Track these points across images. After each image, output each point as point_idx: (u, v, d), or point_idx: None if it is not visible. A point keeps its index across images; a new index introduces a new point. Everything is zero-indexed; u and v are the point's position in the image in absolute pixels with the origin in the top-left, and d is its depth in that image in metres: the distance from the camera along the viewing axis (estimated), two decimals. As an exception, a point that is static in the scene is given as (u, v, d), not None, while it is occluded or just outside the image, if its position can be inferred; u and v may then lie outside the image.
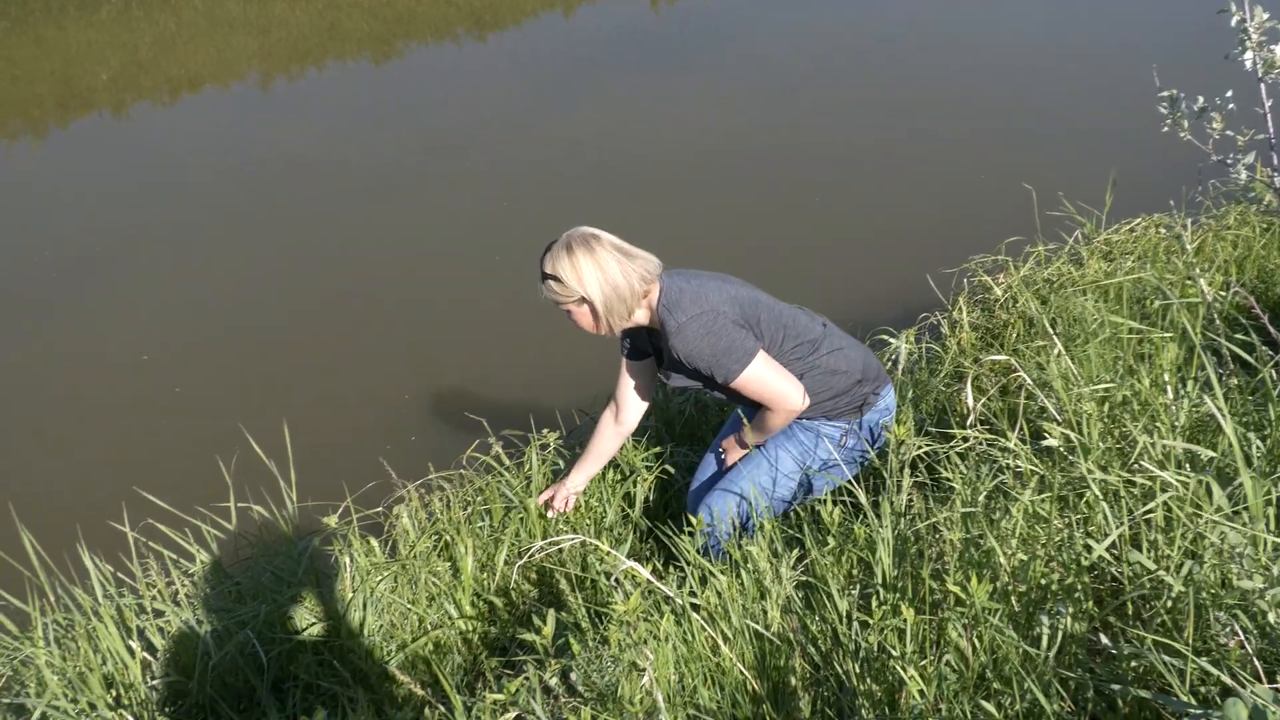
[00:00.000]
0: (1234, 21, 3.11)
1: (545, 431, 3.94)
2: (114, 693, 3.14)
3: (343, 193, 8.15)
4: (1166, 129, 3.42)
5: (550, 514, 3.55)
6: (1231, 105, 3.28)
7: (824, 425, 3.12)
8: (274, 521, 3.56)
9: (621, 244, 2.96)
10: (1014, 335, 4.30)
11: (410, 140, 9.20)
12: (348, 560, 3.39)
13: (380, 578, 3.39)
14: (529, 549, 3.52)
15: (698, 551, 2.93)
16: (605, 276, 2.90)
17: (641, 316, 3.02)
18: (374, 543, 3.59)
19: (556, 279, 2.93)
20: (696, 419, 4.08)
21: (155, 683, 3.17)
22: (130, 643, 3.19)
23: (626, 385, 3.36)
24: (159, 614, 3.34)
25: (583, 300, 2.94)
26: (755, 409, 3.11)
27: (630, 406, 3.39)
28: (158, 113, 11.09)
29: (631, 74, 10.53)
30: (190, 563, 3.51)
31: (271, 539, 3.57)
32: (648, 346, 3.28)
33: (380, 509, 3.86)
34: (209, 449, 4.02)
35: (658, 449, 3.90)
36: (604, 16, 13.57)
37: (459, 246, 7.16)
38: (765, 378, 2.92)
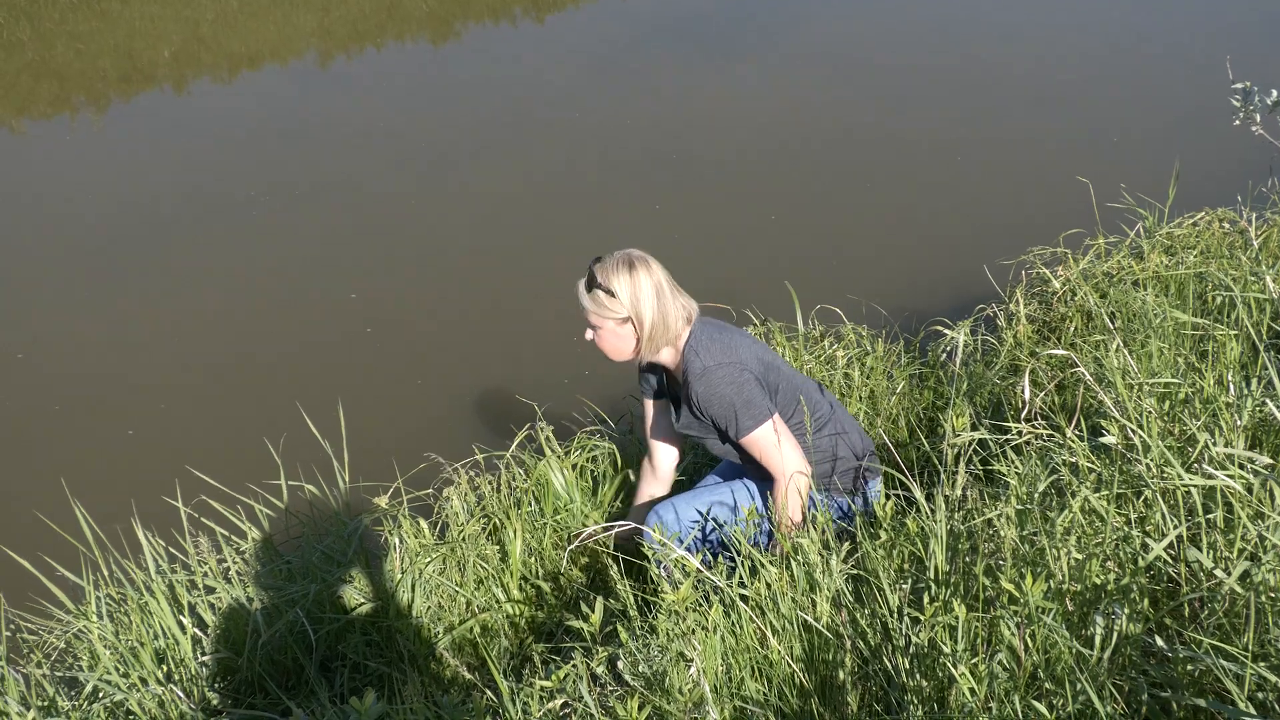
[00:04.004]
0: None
1: (592, 425, 3.94)
2: (165, 668, 3.18)
3: (399, 173, 8.19)
4: (1238, 122, 3.34)
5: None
6: (1306, 99, 3.19)
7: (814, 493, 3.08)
8: (325, 501, 3.59)
9: (670, 279, 2.96)
10: (1072, 329, 4.24)
11: (469, 121, 9.22)
12: (397, 541, 3.40)
13: (429, 559, 3.41)
14: (579, 534, 3.53)
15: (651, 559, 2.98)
16: (659, 303, 2.88)
17: (667, 356, 3.01)
18: (423, 524, 3.61)
19: (610, 293, 2.87)
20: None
21: (205, 658, 3.21)
22: (181, 618, 3.23)
23: (656, 428, 3.35)
24: (210, 590, 3.38)
25: (627, 320, 2.91)
26: (756, 475, 3.12)
27: (662, 451, 3.38)
28: (217, 89, 11.19)
29: (689, 57, 10.48)
30: (242, 540, 3.55)
31: (322, 518, 3.60)
32: (663, 387, 3.26)
33: (430, 491, 3.88)
34: (263, 427, 4.06)
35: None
36: (661, -1, 13.53)
37: (514, 229, 7.17)
38: (771, 442, 2.90)
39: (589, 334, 3.00)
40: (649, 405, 3.32)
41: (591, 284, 2.90)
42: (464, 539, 3.55)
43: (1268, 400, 2.36)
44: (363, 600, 3.32)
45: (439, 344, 5.96)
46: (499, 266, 6.73)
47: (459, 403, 5.41)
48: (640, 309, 2.87)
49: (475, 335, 6.02)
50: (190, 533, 3.45)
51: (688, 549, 3.11)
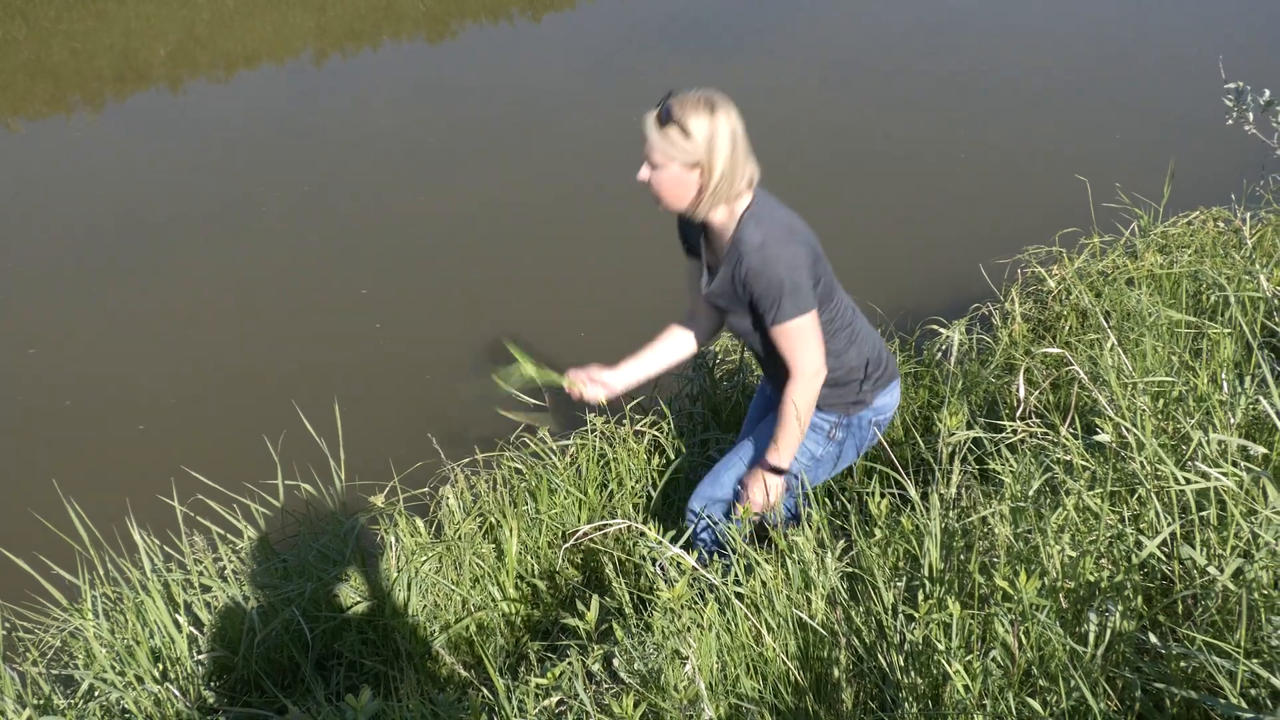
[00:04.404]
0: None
1: (592, 416, 3.94)
2: (160, 666, 3.18)
3: (395, 171, 8.19)
4: (1231, 121, 3.35)
5: (573, 392, 3.10)
6: (1299, 98, 3.21)
7: (815, 416, 2.97)
8: (321, 500, 3.59)
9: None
10: (1067, 328, 4.25)
11: (464, 119, 9.21)
12: (393, 540, 3.41)
13: (425, 558, 3.41)
14: (574, 532, 3.53)
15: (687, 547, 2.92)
16: (733, 155, 2.63)
17: (719, 215, 2.75)
18: (419, 523, 3.62)
19: (685, 131, 2.60)
20: (743, 406, 4.06)
21: (201, 657, 3.21)
22: (177, 617, 3.23)
23: (695, 290, 3.04)
24: (206, 589, 3.38)
25: (695, 166, 2.64)
26: (773, 369, 2.94)
27: (700, 315, 3.12)
28: (213, 88, 11.18)
29: (687, 57, 10.49)
30: (238, 539, 3.55)
31: (318, 517, 3.60)
32: (696, 247, 2.98)
33: (426, 489, 3.89)
34: (260, 427, 4.06)
35: (704, 436, 3.90)
36: (659, -3, 13.54)
37: (512, 227, 7.17)
38: (806, 336, 2.72)
39: (645, 172, 2.70)
40: (692, 263, 3.05)
41: (666, 118, 2.62)
42: (460, 537, 3.56)
43: (1261, 398, 2.37)
44: (359, 599, 3.32)
45: (436, 343, 5.96)
46: (496, 261, 6.74)
47: (456, 401, 5.41)
48: (714, 157, 2.62)
49: (473, 333, 6.02)
50: (186, 532, 3.45)
51: (716, 537, 3.08)
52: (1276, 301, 3.82)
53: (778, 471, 2.88)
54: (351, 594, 3.34)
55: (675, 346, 3.15)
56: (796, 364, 2.76)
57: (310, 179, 8.14)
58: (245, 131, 9.42)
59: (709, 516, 3.11)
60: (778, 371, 2.88)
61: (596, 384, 3.08)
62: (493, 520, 3.69)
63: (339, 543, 3.45)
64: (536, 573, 3.59)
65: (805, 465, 3.01)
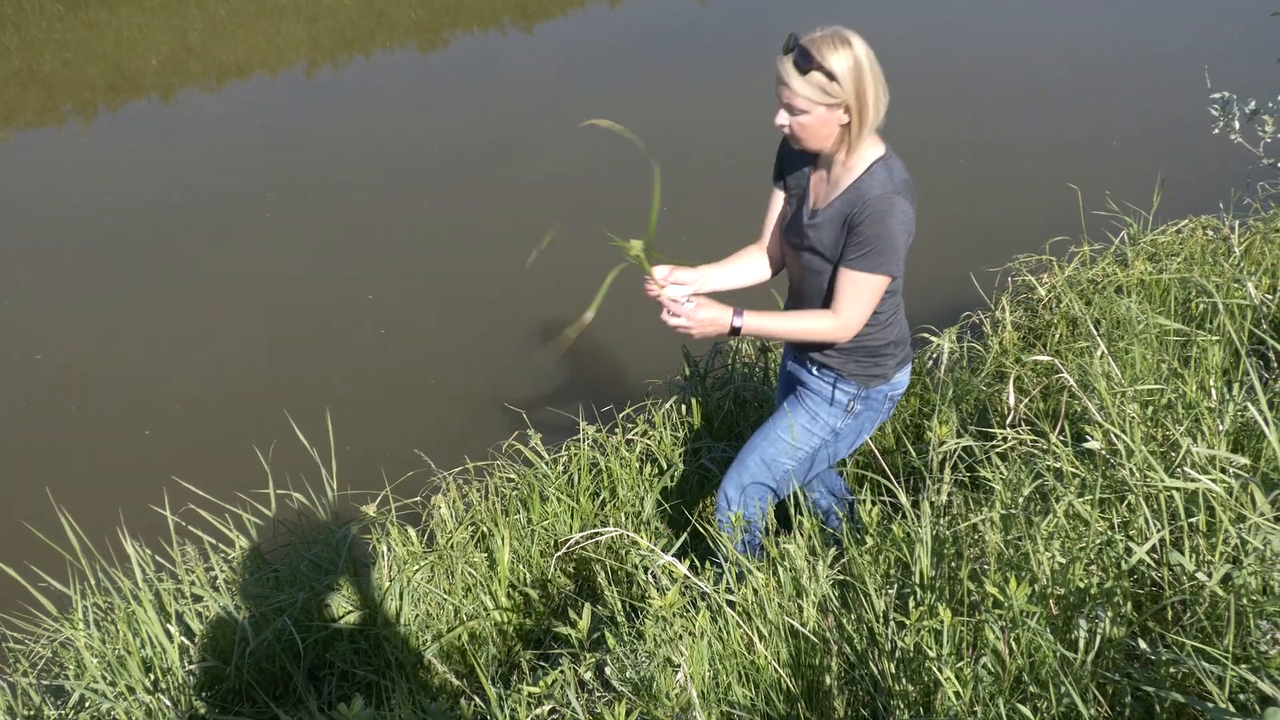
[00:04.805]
0: (1288, 22, 3.06)
1: (584, 425, 3.95)
2: (152, 676, 3.18)
3: (386, 180, 8.19)
4: (1217, 131, 3.37)
5: (654, 291, 2.82)
6: (1285, 107, 3.24)
7: (831, 389, 2.95)
8: (313, 509, 3.59)
9: None
10: (1057, 336, 4.26)
11: (455, 129, 9.22)
12: (385, 549, 3.41)
13: (417, 567, 3.41)
14: (567, 541, 3.54)
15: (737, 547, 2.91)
16: (875, 87, 2.56)
17: (850, 153, 2.69)
18: (411, 532, 3.62)
19: (831, 75, 2.50)
20: (735, 415, 4.07)
21: (192, 667, 3.21)
22: (169, 627, 3.23)
23: (773, 215, 3.01)
24: (198, 599, 3.38)
25: (840, 106, 2.56)
26: (802, 302, 2.91)
27: (774, 243, 3.05)
28: (205, 98, 11.19)
29: (678, 65, 10.51)
30: (230, 549, 3.55)
31: (310, 527, 3.60)
32: (794, 177, 2.90)
33: (418, 498, 3.89)
34: (251, 436, 4.06)
35: (696, 444, 3.90)
36: (651, 6, 13.55)
37: (502, 236, 7.17)
38: (868, 295, 2.70)
39: (783, 117, 2.63)
40: (777, 194, 2.99)
41: (807, 64, 2.51)
42: (452, 546, 3.56)
43: (1249, 405, 2.38)
44: (351, 608, 3.32)
45: (428, 352, 5.96)
46: (488, 270, 6.74)
47: (449, 410, 5.42)
48: (865, 95, 2.54)
49: (465, 342, 6.02)
50: (178, 541, 3.45)
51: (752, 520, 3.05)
52: (1264, 309, 3.84)
53: (734, 330, 2.73)
54: (343, 603, 3.33)
55: (751, 268, 3.07)
56: (841, 309, 2.72)
57: (304, 187, 8.14)
58: (239, 141, 9.42)
59: (744, 501, 3.08)
60: (818, 297, 2.84)
61: (676, 284, 2.91)
62: (485, 529, 3.69)
63: (331, 552, 3.45)
64: (529, 581, 3.59)
65: (825, 439, 3.00)
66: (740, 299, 2.83)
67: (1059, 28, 10.84)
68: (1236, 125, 3.30)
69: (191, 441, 5.30)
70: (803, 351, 2.99)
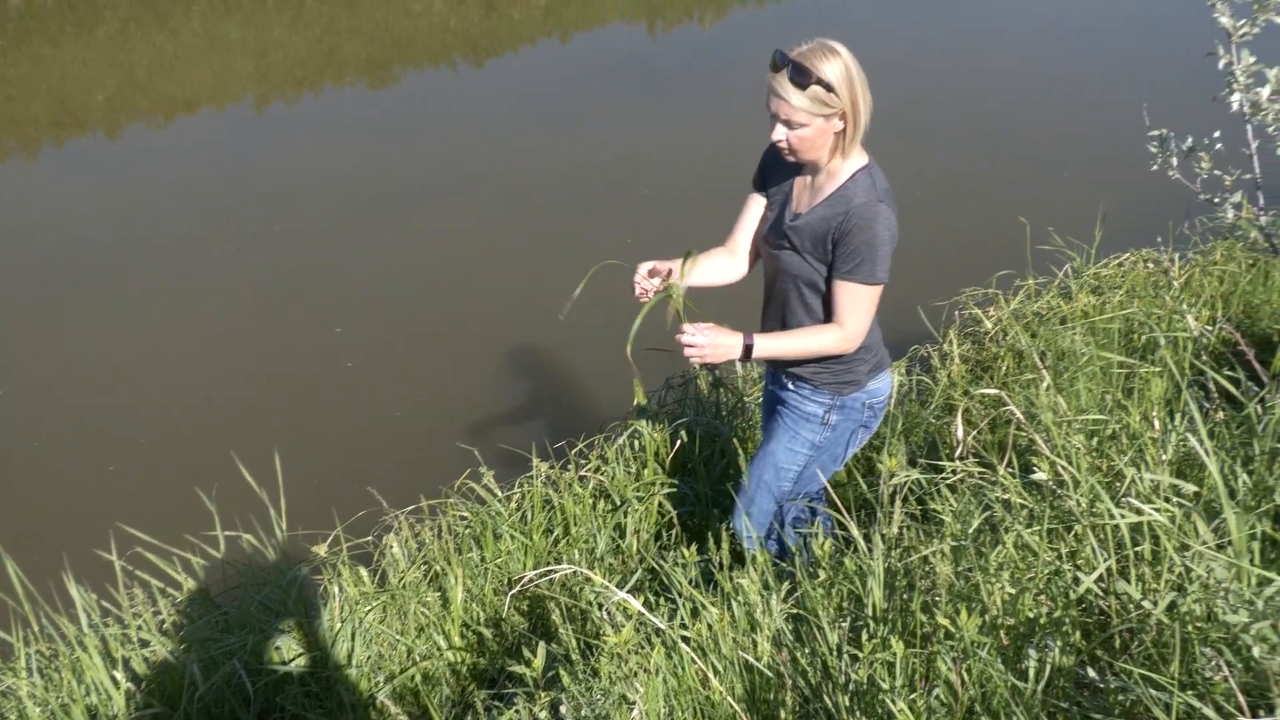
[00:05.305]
0: (1221, 64, 3.15)
1: (537, 461, 3.95)
2: (98, 723, 3.12)
3: (335, 216, 8.16)
4: (1156, 167, 3.45)
5: (639, 280, 2.96)
6: (1219, 145, 3.31)
7: (807, 403, 3.00)
8: (263, 550, 3.55)
9: None
10: (1004, 368, 4.32)
11: (406, 164, 9.21)
12: (336, 590, 3.38)
13: (369, 608, 3.38)
14: (520, 578, 3.52)
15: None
16: (865, 92, 2.65)
17: (836, 159, 2.76)
18: (363, 572, 3.58)
19: (829, 86, 2.58)
20: (687, 450, 4.08)
21: (139, 714, 3.15)
22: (115, 673, 3.17)
23: (750, 226, 3.08)
24: (145, 644, 3.32)
25: (841, 116, 2.64)
26: (782, 315, 2.95)
27: (744, 251, 3.09)
28: (153, 134, 11.11)
29: (629, 100, 10.58)
30: (178, 592, 3.50)
31: (260, 568, 3.56)
32: (776, 182, 2.97)
33: (370, 538, 3.86)
34: (200, 477, 4.01)
35: (651, 480, 3.90)
36: (602, 43, 13.65)
37: (453, 272, 7.17)
38: (867, 303, 2.76)
39: (781, 132, 2.68)
40: (753, 197, 3.07)
41: (803, 79, 2.57)
42: (404, 586, 3.53)
43: (1189, 435, 2.42)
44: (302, 651, 3.28)
45: (379, 389, 5.93)
46: (438, 307, 6.73)
47: (401, 448, 5.38)
48: (858, 102, 2.63)
49: (415, 378, 6.00)
50: (125, 585, 3.40)
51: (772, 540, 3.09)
52: (1204, 340, 3.92)
53: (747, 351, 2.77)
54: (294, 646, 3.29)
55: (719, 268, 3.09)
56: (845, 320, 2.78)
57: (251, 223, 8.09)
58: (188, 176, 9.35)
59: (762, 523, 3.13)
60: (787, 318, 2.92)
61: (651, 276, 2.97)
62: (438, 568, 3.67)
63: (281, 594, 3.41)
64: (482, 620, 3.57)
65: (809, 455, 3.05)
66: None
67: (1005, 64, 11.03)
68: (1174, 162, 3.38)
69: (140, 483, 5.23)
70: (780, 367, 3.04)
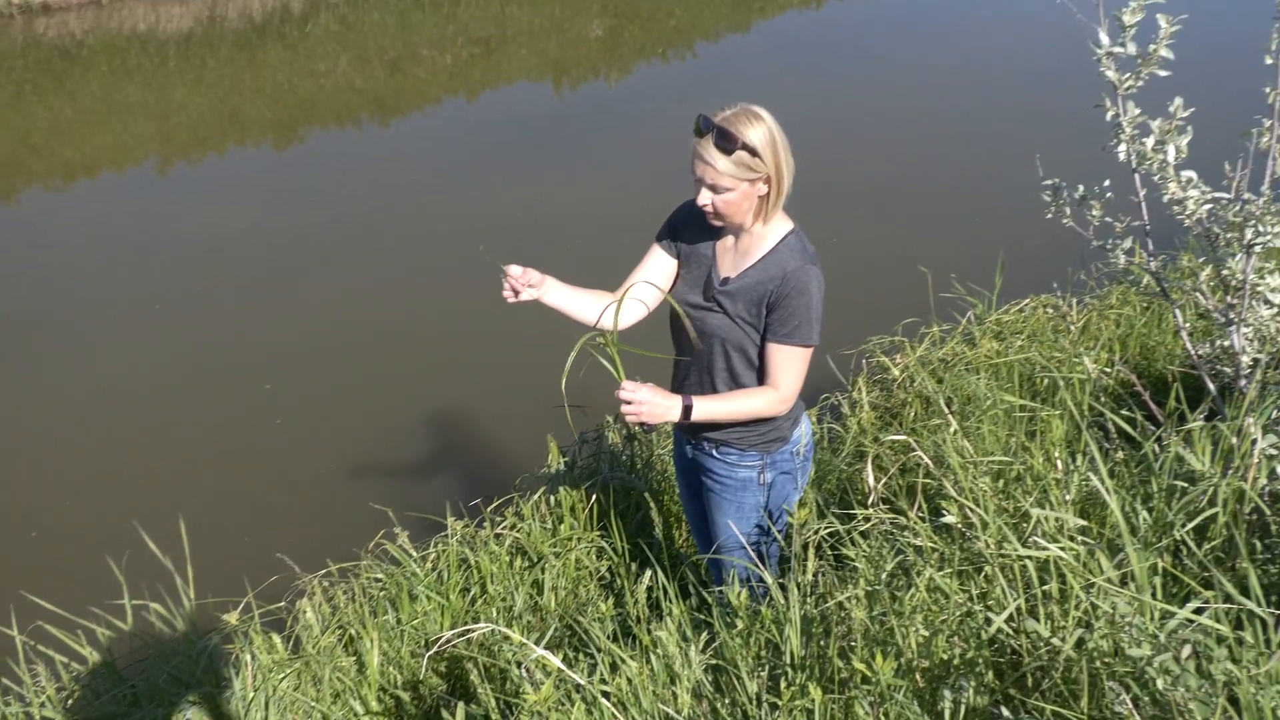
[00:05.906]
0: (1109, 116, 3.27)
1: (452, 520, 3.92)
2: (1, 806, 3.01)
3: (238, 276, 8.05)
4: (1050, 215, 3.57)
5: (506, 283, 2.86)
6: (1109, 194, 3.44)
7: (737, 469, 2.99)
8: (171, 620, 3.47)
9: None
10: (912, 414, 4.40)
11: (311, 223, 9.14)
12: (248, 658, 3.31)
13: (283, 675, 3.31)
14: (438, 639, 3.48)
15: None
16: (788, 156, 2.69)
17: (760, 223, 2.79)
18: (276, 639, 3.51)
19: (754, 152, 2.61)
20: (603, 503, 4.09)
21: (45, 794, 3.05)
22: (19, 752, 3.07)
23: (646, 275, 3.03)
24: (49, 722, 3.22)
25: (765, 180, 2.68)
26: (707, 378, 2.94)
27: (636, 301, 2.99)
28: (51, 198, 10.88)
29: (535, 157, 10.64)
30: (83, 666, 3.40)
31: (169, 639, 3.48)
32: (691, 242, 2.96)
33: (283, 603, 3.78)
34: (103, 546, 3.91)
35: (567, 536, 3.90)
36: (508, 101, 13.71)
37: (359, 331, 7.11)
38: (800, 365, 2.81)
39: (706, 197, 2.70)
40: (656, 250, 3.05)
41: (729, 144, 2.60)
42: (319, 651, 3.47)
43: (1091, 475, 2.50)
44: (214, 721, 3.20)
45: (286, 450, 5.85)
46: (344, 367, 6.66)
47: (312, 511, 5.31)
48: (782, 166, 2.67)
49: (326, 437, 5.93)
50: (28, 660, 3.29)
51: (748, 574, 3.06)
52: (1101, 382, 4.04)
53: (686, 412, 2.75)
54: (205, 718, 3.21)
55: (595, 306, 2.98)
56: (780, 383, 2.81)
57: (150, 287, 7.94)
58: (87, 241, 9.17)
59: (726, 572, 3.11)
60: (712, 381, 2.92)
61: (523, 282, 2.87)
62: (353, 632, 3.61)
63: (191, 664, 3.33)
64: (400, 683, 3.52)
65: (758, 517, 3.06)
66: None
67: (904, 112, 11.30)
68: (1068, 210, 3.50)
69: (43, 555, 5.08)
70: (696, 433, 3.03)
